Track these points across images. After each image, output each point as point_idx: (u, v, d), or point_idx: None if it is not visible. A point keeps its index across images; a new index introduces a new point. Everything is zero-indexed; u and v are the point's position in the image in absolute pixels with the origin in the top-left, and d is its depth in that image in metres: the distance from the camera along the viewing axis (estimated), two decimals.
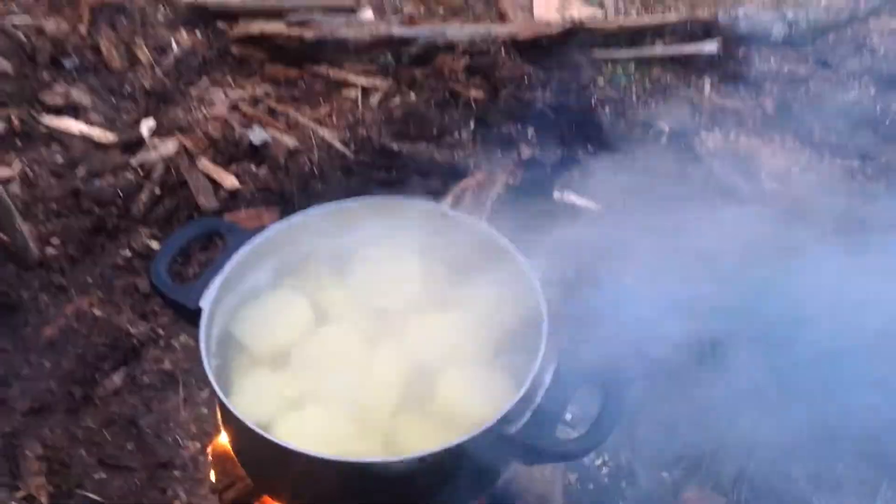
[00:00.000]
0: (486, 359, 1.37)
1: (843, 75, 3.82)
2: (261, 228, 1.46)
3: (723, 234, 2.88)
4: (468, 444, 1.14)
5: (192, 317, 1.35)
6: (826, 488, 2.40)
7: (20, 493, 2.40)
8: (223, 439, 1.56)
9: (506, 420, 1.18)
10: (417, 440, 1.21)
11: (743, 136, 3.56)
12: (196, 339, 1.30)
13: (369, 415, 1.28)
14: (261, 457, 1.25)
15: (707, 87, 3.76)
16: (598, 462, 2.23)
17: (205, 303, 1.35)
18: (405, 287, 1.47)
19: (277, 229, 1.47)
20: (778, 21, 3.88)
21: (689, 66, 3.85)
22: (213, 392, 1.24)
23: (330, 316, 1.43)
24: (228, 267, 1.40)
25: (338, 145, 3.37)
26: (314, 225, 1.50)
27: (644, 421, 2.30)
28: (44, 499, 2.39)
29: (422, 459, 1.11)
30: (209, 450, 2.18)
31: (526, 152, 3.28)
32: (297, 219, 1.49)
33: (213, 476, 1.86)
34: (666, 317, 1.63)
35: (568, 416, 1.28)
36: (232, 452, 1.41)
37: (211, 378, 1.23)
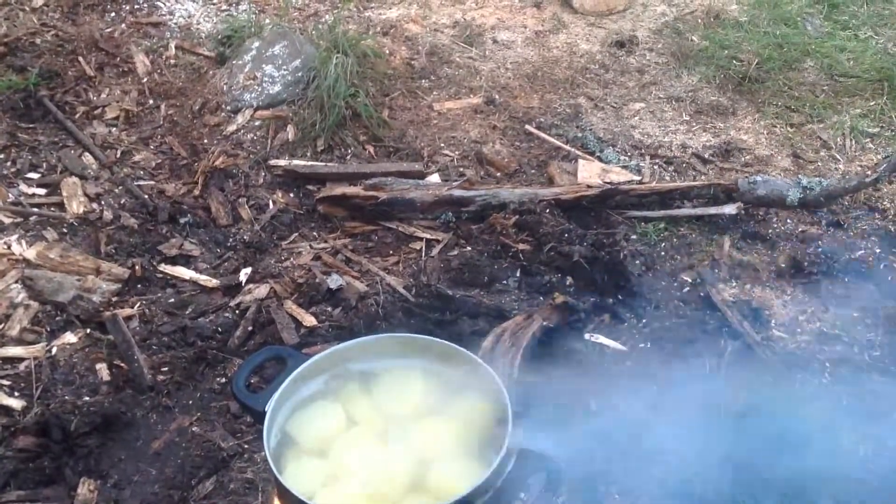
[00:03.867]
0: (466, 452, 1.84)
1: (853, 235, 4.22)
2: (312, 355, 1.99)
3: None
4: None
5: (259, 417, 1.86)
6: None
7: None
8: None
9: (475, 494, 1.65)
10: None
11: (757, 289, 3.99)
12: (261, 434, 1.82)
13: (383, 492, 1.77)
14: None
15: (727, 244, 4.20)
16: None
17: (268, 407, 1.86)
18: (411, 399, 1.97)
19: (323, 356, 1.99)
20: (794, 186, 4.32)
21: (711, 225, 4.30)
22: (272, 473, 1.74)
23: (357, 420, 1.93)
24: (286, 382, 1.91)
25: (401, 290, 3.93)
26: (349, 353, 2.02)
27: None
28: None
29: None
30: None
31: (560, 298, 3.77)
32: (337, 348, 2.02)
33: None
34: None
35: (522, 495, 1.72)
36: None
37: (270, 461, 1.73)
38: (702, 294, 3.94)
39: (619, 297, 3.93)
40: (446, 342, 2.03)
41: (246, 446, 3.33)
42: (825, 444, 3.18)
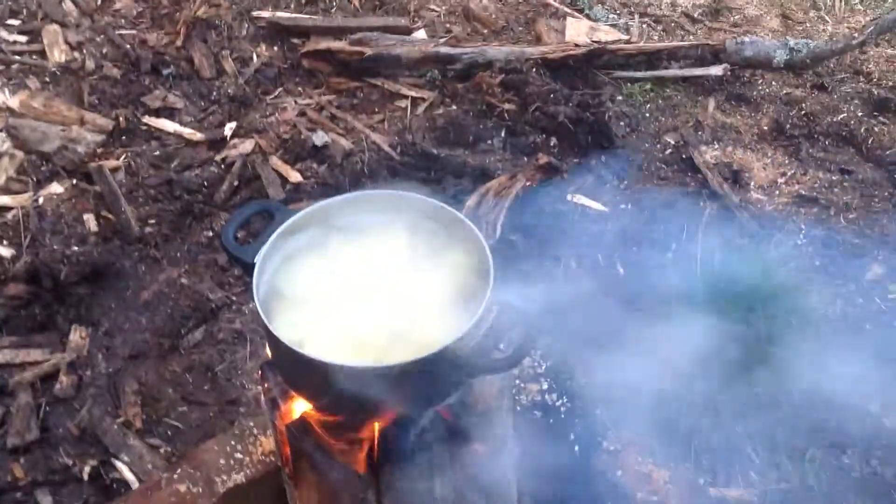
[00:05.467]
0: (449, 305, 1.90)
1: (836, 98, 4.24)
2: (299, 209, 2.02)
3: None
4: (431, 358, 1.69)
5: (248, 269, 1.91)
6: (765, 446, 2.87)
7: (120, 419, 2.97)
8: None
9: (457, 345, 1.72)
10: (399, 359, 1.75)
11: (739, 151, 4.03)
12: (249, 287, 1.87)
13: (368, 342, 1.84)
14: (293, 366, 1.82)
15: (711, 105, 4.22)
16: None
17: (258, 259, 1.91)
18: (396, 253, 2.02)
19: (310, 210, 2.02)
20: (780, 48, 4.30)
21: (697, 86, 4.31)
22: (261, 323, 1.80)
23: (344, 273, 1.99)
24: (274, 235, 1.95)
25: (386, 148, 3.94)
26: (336, 208, 2.05)
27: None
28: (138, 424, 2.96)
29: (400, 367, 1.68)
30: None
31: (544, 159, 3.80)
32: (324, 203, 2.05)
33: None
34: None
35: (501, 346, 1.79)
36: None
37: (259, 311, 1.78)
38: (684, 156, 3.98)
39: (603, 158, 3.96)
40: (431, 199, 2.06)
41: (234, 298, 3.40)
42: (795, 302, 3.29)
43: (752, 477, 2.76)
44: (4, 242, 3.56)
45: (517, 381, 2.61)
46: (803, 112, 4.17)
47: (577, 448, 2.44)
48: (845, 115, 4.14)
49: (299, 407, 1.96)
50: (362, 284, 1.97)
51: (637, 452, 2.44)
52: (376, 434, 1.89)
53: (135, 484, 2.77)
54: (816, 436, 2.88)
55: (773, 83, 4.34)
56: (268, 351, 2.03)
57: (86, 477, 2.81)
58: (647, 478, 2.37)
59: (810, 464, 2.80)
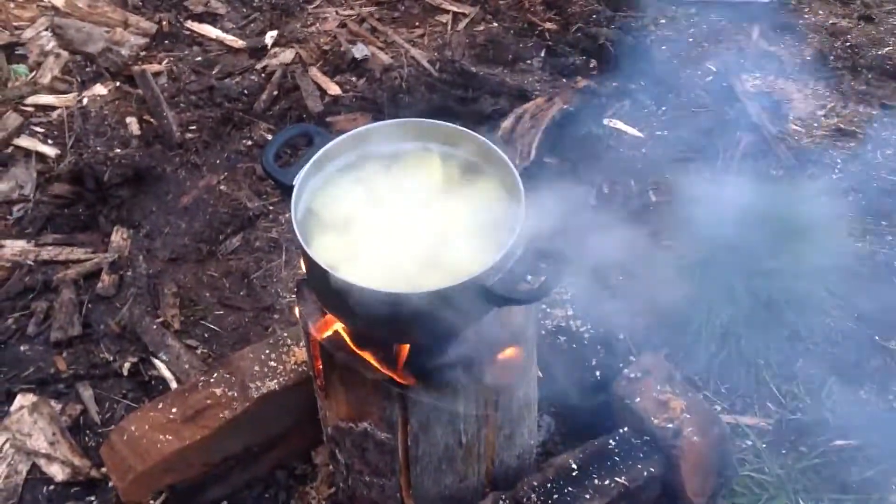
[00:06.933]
0: (480, 234, 1.94)
1: (883, 30, 4.16)
2: (338, 134, 2.06)
3: None
4: (460, 287, 1.75)
5: (287, 191, 1.96)
6: (783, 377, 2.93)
7: (159, 320, 3.06)
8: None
9: (487, 274, 1.77)
10: (430, 286, 1.81)
11: (780, 81, 3.99)
12: (289, 208, 1.93)
13: (401, 268, 1.90)
14: (327, 287, 1.88)
15: (756, 33, 4.15)
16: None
17: (296, 182, 1.96)
18: (429, 181, 2.06)
19: (348, 136, 2.06)
20: None
21: (743, 12, 4.23)
22: (299, 245, 1.86)
23: (378, 199, 2.03)
24: (313, 159, 2.00)
25: (425, 64, 3.94)
26: (372, 135, 2.10)
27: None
28: (176, 325, 3.05)
29: (431, 294, 1.74)
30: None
31: (583, 82, 3.79)
32: (361, 130, 2.09)
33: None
34: None
35: (528, 278, 1.83)
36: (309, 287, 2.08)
37: (297, 233, 1.84)
38: (724, 84, 3.94)
39: (642, 83, 3.94)
40: (466, 129, 2.08)
41: (271, 207, 3.47)
42: (825, 237, 3.29)
43: (768, 407, 2.82)
44: (49, 142, 3.64)
45: (543, 307, 2.66)
46: (848, 44, 4.10)
47: (598, 374, 2.51)
48: (891, 48, 4.08)
49: (332, 323, 2.04)
50: (396, 211, 2.01)
51: (656, 380, 2.50)
52: (405, 353, 1.97)
53: (172, 382, 2.88)
54: (835, 370, 2.91)
55: (820, 12, 4.27)
56: (303, 267, 2.10)
57: (125, 373, 2.92)
58: (665, 405, 2.44)
59: (827, 397, 2.85)
